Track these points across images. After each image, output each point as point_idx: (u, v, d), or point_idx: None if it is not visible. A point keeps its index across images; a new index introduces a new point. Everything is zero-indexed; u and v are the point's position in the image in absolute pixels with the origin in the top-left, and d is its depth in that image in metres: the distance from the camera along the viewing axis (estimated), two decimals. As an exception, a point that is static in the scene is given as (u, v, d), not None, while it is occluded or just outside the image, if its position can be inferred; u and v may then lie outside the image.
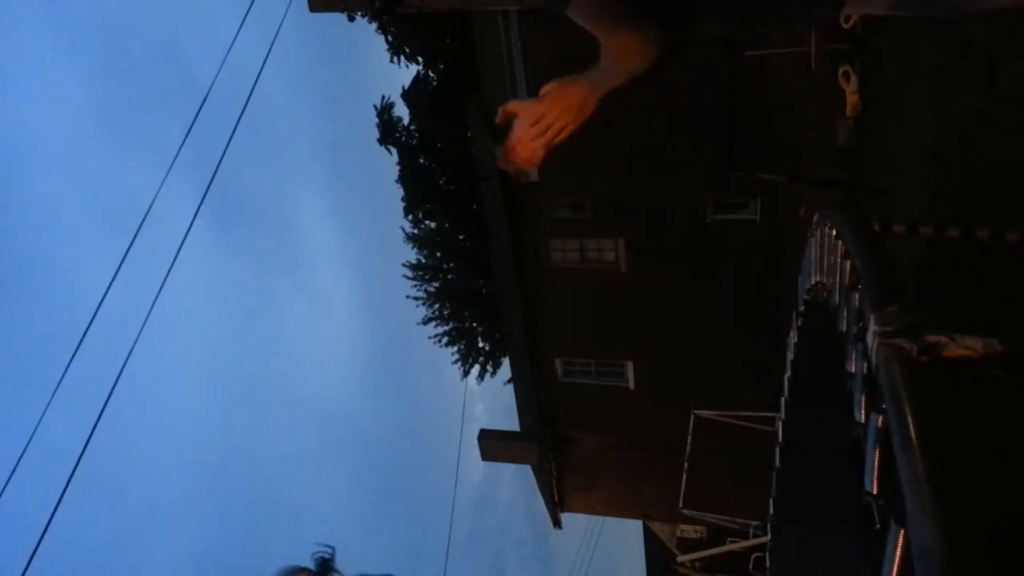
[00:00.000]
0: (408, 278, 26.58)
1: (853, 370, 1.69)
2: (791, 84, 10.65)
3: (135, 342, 7.88)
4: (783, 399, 3.61)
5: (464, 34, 17.04)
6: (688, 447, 12.14)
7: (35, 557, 6.29)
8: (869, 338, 1.49)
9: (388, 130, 24.90)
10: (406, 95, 24.47)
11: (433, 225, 26.41)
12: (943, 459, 1.16)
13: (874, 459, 1.38)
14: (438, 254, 26.76)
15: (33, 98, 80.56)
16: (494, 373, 27.52)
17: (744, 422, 11.30)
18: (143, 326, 8.15)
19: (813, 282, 2.68)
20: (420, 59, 24.16)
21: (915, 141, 6.98)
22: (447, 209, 25.23)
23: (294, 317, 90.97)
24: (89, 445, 6.76)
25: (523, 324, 14.75)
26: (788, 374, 3.48)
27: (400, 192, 25.54)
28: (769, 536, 3.84)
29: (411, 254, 26.75)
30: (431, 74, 24.64)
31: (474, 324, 26.89)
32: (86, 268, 76.07)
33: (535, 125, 1.63)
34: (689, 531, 20.37)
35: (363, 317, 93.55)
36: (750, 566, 10.87)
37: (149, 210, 8.23)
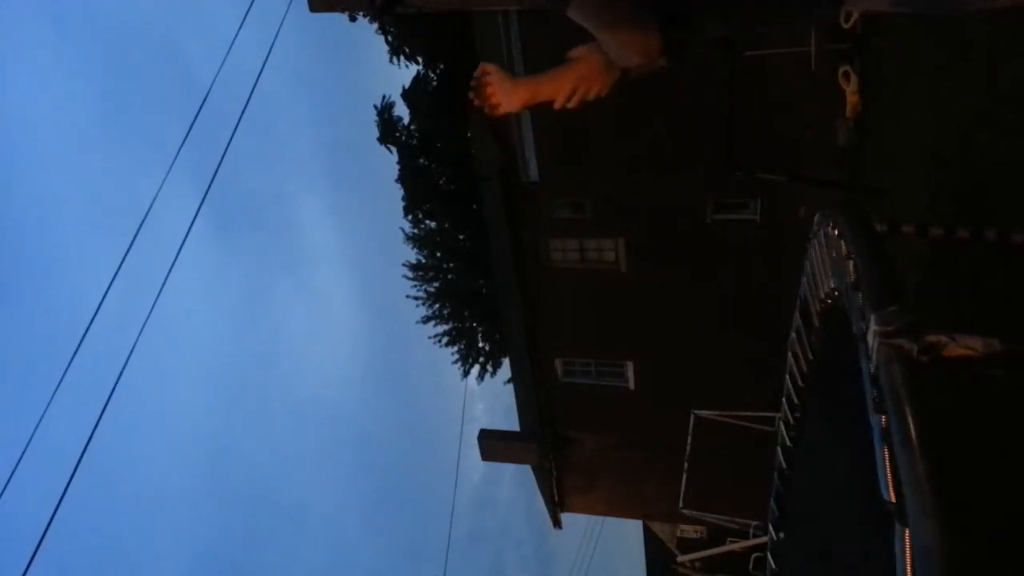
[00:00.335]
0: (408, 278, 26.60)
1: (863, 370, 1.69)
2: (791, 84, 10.65)
3: (135, 342, 7.88)
4: (784, 399, 3.60)
5: (464, 34, 17.03)
6: (688, 447, 12.14)
7: (36, 557, 6.29)
8: (870, 338, 1.49)
9: (388, 129, 24.92)
10: (406, 95, 24.47)
11: (433, 225, 26.42)
12: (943, 459, 1.16)
13: (884, 460, 1.38)
14: (438, 254, 26.77)
15: (33, 98, 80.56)
16: (494, 373, 27.54)
17: (744, 422, 11.31)
18: (143, 326, 8.15)
19: (815, 282, 2.68)
20: (420, 59, 24.16)
21: (915, 141, 6.99)
22: (447, 209, 25.24)
23: (294, 317, 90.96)
24: (90, 445, 6.76)
25: (523, 324, 14.75)
26: (790, 374, 3.48)
27: (400, 192, 25.56)
28: (774, 536, 3.84)
29: (411, 254, 26.77)
30: (431, 74, 24.64)
31: (474, 324, 26.90)
32: (86, 268, 76.09)
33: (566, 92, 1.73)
34: (689, 531, 20.37)
35: (363, 317, 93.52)
36: (750, 566, 10.87)
37: (149, 210, 8.24)
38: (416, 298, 26.49)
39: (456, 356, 26.92)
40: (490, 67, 1.81)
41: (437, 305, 26.46)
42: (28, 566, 6.32)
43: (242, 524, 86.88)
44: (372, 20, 22.51)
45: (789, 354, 3.44)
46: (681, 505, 12.32)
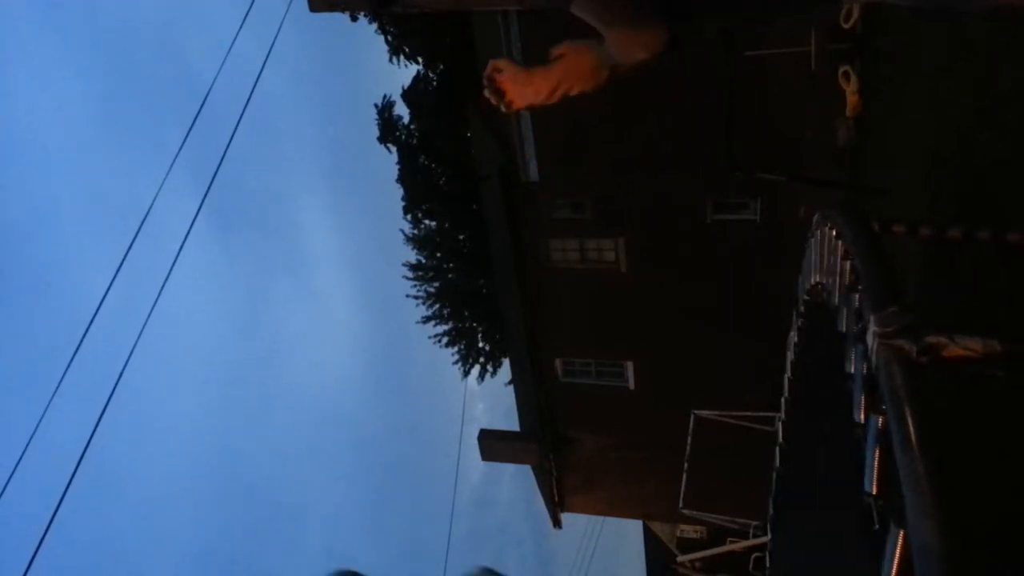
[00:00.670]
0: (408, 278, 26.61)
1: (853, 371, 1.69)
2: (791, 84, 10.65)
3: (136, 342, 7.88)
4: (783, 399, 3.61)
5: (464, 34, 17.05)
6: (688, 447, 12.14)
7: (36, 556, 6.29)
8: (869, 339, 1.49)
9: (388, 129, 24.93)
10: (406, 95, 24.48)
11: (433, 225, 26.42)
12: (943, 459, 1.16)
13: (874, 459, 1.38)
14: (438, 254, 26.77)
15: (33, 98, 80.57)
16: (494, 373, 27.54)
17: (744, 422, 11.31)
18: (144, 326, 8.15)
19: (813, 282, 2.68)
20: (420, 59, 24.17)
21: (915, 141, 6.98)
22: (447, 209, 25.24)
23: (294, 317, 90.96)
24: (90, 445, 6.77)
25: (523, 324, 14.76)
26: (788, 374, 3.48)
27: (400, 192, 25.56)
28: (769, 536, 3.84)
29: (411, 254, 26.78)
30: (431, 74, 24.64)
31: (474, 324, 26.90)
32: (86, 268, 76.09)
33: (548, 88, 1.70)
34: (689, 531, 20.38)
35: (363, 317, 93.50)
36: (750, 566, 10.87)
37: (149, 210, 8.23)
38: (416, 298, 26.50)
39: (456, 356, 26.92)
40: (502, 62, 1.79)
41: (437, 305, 26.46)
42: (28, 566, 6.32)
43: (242, 524, 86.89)
44: (372, 20, 22.52)
45: (788, 354, 3.45)
46: (681, 505, 12.32)
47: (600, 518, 22.66)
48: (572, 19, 1.63)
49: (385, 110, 24.93)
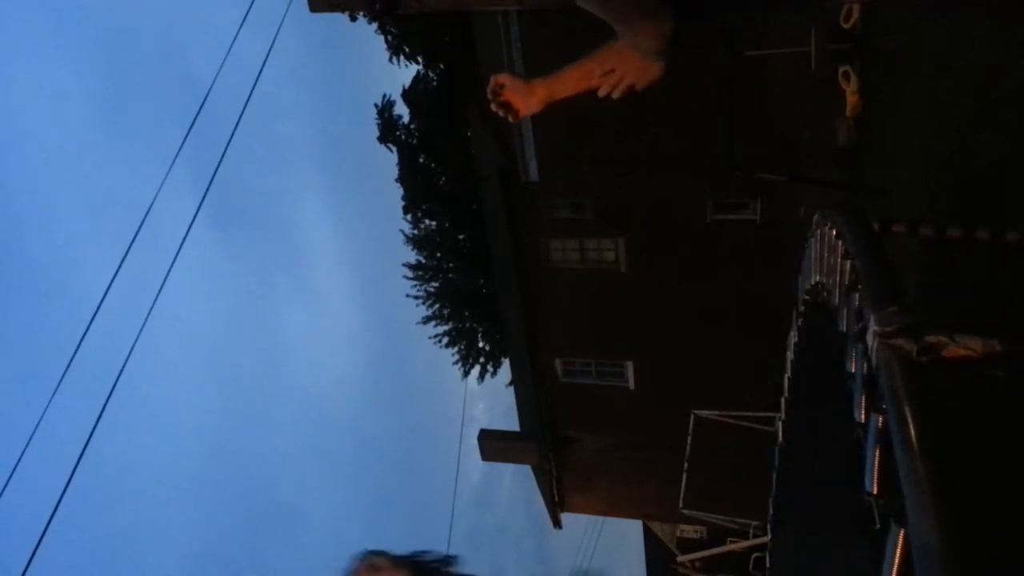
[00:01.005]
0: (408, 278, 26.59)
1: (853, 370, 1.69)
2: (791, 84, 10.64)
3: (135, 342, 7.88)
4: (783, 399, 3.61)
5: (464, 34, 17.04)
6: (688, 447, 12.14)
7: (35, 556, 6.29)
8: (869, 338, 1.49)
9: (388, 128, 24.91)
10: (406, 95, 24.47)
11: (433, 225, 26.40)
12: (943, 459, 1.16)
13: (874, 459, 1.38)
14: (438, 254, 26.75)
15: (33, 98, 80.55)
16: (494, 373, 27.52)
17: (744, 422, 11.30)
18: (143, 326, 8.15)
19: (813, 282, 2.67)
20: (420, 59, 24.15)
21: (915, 141, 6.98)
22: (447, 209, 25.23)
23: (294, 317, 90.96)
24: (89, 445, 6.76)
25: (523, 324, 14.75)
26: (788, 374, 3.48)
27: (400, 192, 25.55)
28: (769, 536, 3.84)
29: (411, 254, 26.76)
30: (431, 74, 24.63)
31: (474, 324, 26.88)
32: (86, 268, 76.07)
33: (605, 75, 1.70)
34: (689, 531, 20.39)
35: (363, 317, 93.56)
36: (750, 566, 10.86)
37: (149, 210, 8.24)
38: (416, 298, 26.48)
39: (456, 356, 26.91)
40: (503, 77, 1.80)
41: (437, 305, 26.44)
42: (28, 565, 6.32)
43: (241, 524, 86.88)
44: (371, 21, 22.52)
45: (788, 354, 3.44)
46: (681, 505, 12.31)
47: (600, 518, 22.67)
48: (574, 15, 1.62)
49: (385, 110, 24.92)
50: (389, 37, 23.67)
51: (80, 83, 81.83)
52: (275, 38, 9.42)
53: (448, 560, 1.64)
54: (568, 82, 1.76)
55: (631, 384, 14.65)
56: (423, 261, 26.74)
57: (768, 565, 3.81)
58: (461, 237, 25.69)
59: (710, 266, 12.89)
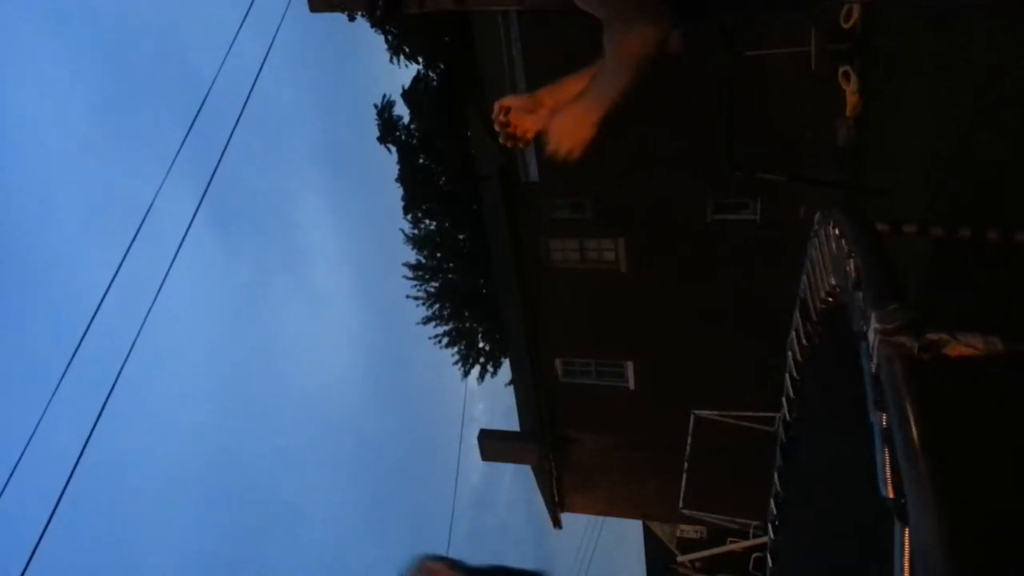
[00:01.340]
0: (408, 278, 26.58)
1: (860, 368, 1.69)
2: (791, 84, 10.64)
3: (135, 342, 7.88)
4: (784, 398, 3.60)
5: (464, 34, 17.03)
6: (688, 447, 12.14)
7: (34, 556, 6.29)
8: (871, 336, 1.49)
9: (388, 128, 24.92)
10: (406, 95, 24.47)
11: (433, 225, 26.40)
12: (944, 457, 1.16)
13: (884, 459, 1.38)
14: (438, 254, 26.74)
15: (33, 98, 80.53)
16: (494, 373, 27.52)
17: (744, 422, 11.30)
18: (142, 326, 8.15)
19: (814, 282, 2.68)
20: (420, 59, 24.15)
21: (915, 141, 6.98)
22: (447, 209, 25.23)
23: (294, 317, 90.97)
24: (88, 444, 6.76)
25: (523, 324, 14.75)
26: (789, 374, 3.48)
27: (400, 192, 25.55)
28: (771, 536, 3.84)
29: (411, 254, 26.75)
30: (431, 74, 24.63)
31: (474, 324, 26.87)
32: (86, 268, 76.06)
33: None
34: (689, 531, 20.39)
35: (363, 318, 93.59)
36: (750, 566, 10.87)
37: (149, 210, 8.23)
38: (416, 298, 26.47)
39: (456, 357, 26.90)
40: (506, 101, 1.78)
41: (437, 305, 26.43)
42: (27, 565, 6.32)
43: (241, 524, 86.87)
44: (373, 26, 22.51)
45: (789, 354, 3.44)
46: (681, 505, 12.31)
47: (600, 518, 22.67)
48: (572, 16, 1.62)
49: (385, 110, 24.92)
50: (389, 37, 23.67)
51: (80, 82, 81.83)
52: (275, 38, 9.43)
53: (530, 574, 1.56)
54: (571, 90, 1.75)
55: (631, 384, 14.65)
56: (423, 261, 26.74)
57: (769, 565, 3.81)
58: (461, 237, 25.68)
59: (710, 266, 12.88)
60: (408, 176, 24.96)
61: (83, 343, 7.50)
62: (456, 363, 26.91)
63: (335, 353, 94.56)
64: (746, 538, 12.42)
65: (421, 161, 24.98)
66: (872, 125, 9.04)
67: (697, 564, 14.78)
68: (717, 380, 13.03)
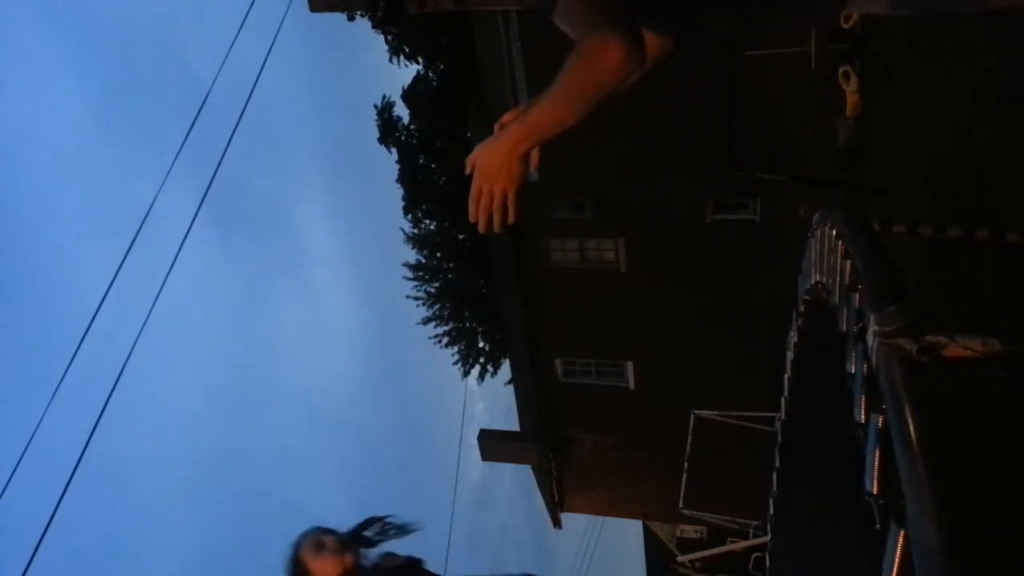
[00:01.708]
0: (408, 278, 26.60)
1: (853, 370, 1.69)
2: (791, 84, 10.64)
3: (135, 342, 7.88)
4: (783, 399, 3.61)
5: (464, 34, 17.04)
6: (688, 447, 12.14)
7: (36, 555, 6.29)
8: (869, 338, 1.49)
9: (388, 129, 24.94)
10: (406, 95, 24.49)
11: (433, 225, 26.42)
12: (943, 459, 1.16)
13: (874, 459, 1.38)
14: (438, 254, 26.77)
15: (33, 98, 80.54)
16: (494, 373, 27.54)
17: (744, 422, 11.31)
18: (143, 326, 8.15)
19: (813, 282, 2.67)
20: (420, 59, 24.17)
21: (915, 141, 6.99)
22: (447, 209, 25.24)
23: (294, 317, 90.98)
24: (90, 444, 6.76)
25: (523, 324, 14.75)
26: (788, 374, 3.48)
27: (400, 192, 25.57)
28: (769, 536, 3.84)
29: (411, 254, 26.78)
30: (431, 74, 24.65)
31: (474, 324, 26.90)
32: (87, 268, 76.07)
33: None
34: (689, 531, 20.38)
35: (363, 318, 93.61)
36: (750, 566, 10.87)
37: (150, 210, 8.23)
38: (416, 298, 26.50)
39: (456, 357, 26.92)
40: (506, 118, 1.55)
41: (437, 306, 26.45)
42: (28, 565, 6.31)
43: (240, 523, 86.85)
44: (374, 27, 22.52)
45: (788, 354, 3.44)
46: (681, 505, 12.31)
47: (600, 518, 22.67)
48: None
49: (385, 110, 24.94)
50: (389, 37, 23.69)
51: (80, 83, 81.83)
52: (275, 38, 9.43)
53: None
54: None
55: (631, 384, 14.65)
56: (423, 261, 26.77)
57: (768, 565, 3.81)
58: (461, 237, 25.70)
59: (710, 266, 12.88)
60: (408, 176, 24.98)
61: (84, 343, 7.50)
62: (456, 363, 26.95)
63: (335, 353, 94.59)
64: (746, 538, 12.41)
65: (421, 161, 25.00)
66: (872, 125, 9.04)
67: (697, 564, 14.77)
68: (717, 380, 13.03)
